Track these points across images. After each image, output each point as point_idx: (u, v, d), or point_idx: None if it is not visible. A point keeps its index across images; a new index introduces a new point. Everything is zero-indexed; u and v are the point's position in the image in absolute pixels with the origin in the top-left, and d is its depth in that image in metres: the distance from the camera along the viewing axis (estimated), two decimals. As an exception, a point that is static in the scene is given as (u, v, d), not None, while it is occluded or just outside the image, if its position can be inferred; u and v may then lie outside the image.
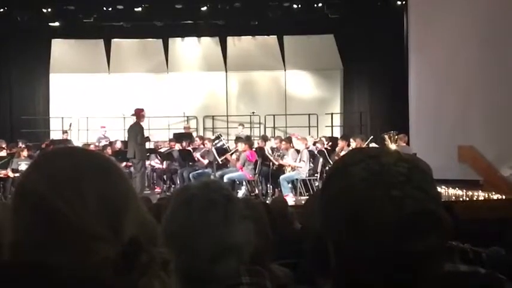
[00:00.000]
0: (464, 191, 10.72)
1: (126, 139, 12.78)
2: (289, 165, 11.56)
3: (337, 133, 16.21)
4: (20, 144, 13.00)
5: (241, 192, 11.39)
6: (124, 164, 11.70)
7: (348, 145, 11.67)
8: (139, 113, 11.81)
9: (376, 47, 15.93)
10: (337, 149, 12.21)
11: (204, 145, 13.10)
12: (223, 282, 1.58)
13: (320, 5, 16.24)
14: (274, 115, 16.80)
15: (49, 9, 16.05)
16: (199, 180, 1.76)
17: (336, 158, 10.45)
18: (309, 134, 14.53)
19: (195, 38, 17.91)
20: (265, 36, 17.90)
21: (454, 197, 10.38)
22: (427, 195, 0.98)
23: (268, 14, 16.26)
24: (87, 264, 0.97)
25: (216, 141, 13.32)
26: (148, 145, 13.41)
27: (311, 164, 11.81)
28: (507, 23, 11.56)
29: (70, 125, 15.49)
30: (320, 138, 13.89)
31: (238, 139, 12.47)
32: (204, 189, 1.62)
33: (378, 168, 0.98)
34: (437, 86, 13.10)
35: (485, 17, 11.99)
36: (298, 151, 11.66)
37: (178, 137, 14.10)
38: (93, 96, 17.15)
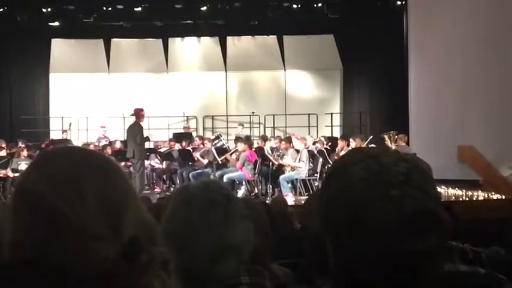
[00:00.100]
0: (464, 191, 10.72)
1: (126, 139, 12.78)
2: (289, 165, 11.56)
3: (336, 133, 16.21)
4: (20, 144, 13.00)
5: (240, 192, 11.39)
6: (123, 163, 11.70)
7: (348, 145, 11.67)
8: (138, 113, 11.80)
9: (376, 47, 15.94)
10: (336, 149, 12.21)
11: (203, 145, 13.10)
12: (223, 282, 1.58)
13: (320, 5, 16.24)
14: (273, 115, 16.81)
15: (49, 9, 16.05)
16: (199, 180, 1.76)
17: (336, 158, 10.44)
18: (309, 134, 14.53)
19: (194, 38, 17.92)
20: (265, 36, 17.91)
21: (453, 197, 10.38)
22: (427, 195, 0.98)
23: (268, 14, 16.26)
24: (87, 264, 0.97)
25: (216, 141, 13.32)
26: (148, 145, 13.41)
27: (311, 164, 11.82)
28: (507, 23, 11.56)
29: (70, 125, 15.49)
30: (319, 138, 13.89)
31: (237, 139, 12.47)
32: (204, 189, 1.62)
33: (378, 168, 0.98)
34: (437, 86, 13.11)
35: (484, 17, 11.99)
36: (297, 151, 11.66)
37: (178, 137, 14.10)
38: (93, 96, 17.15)
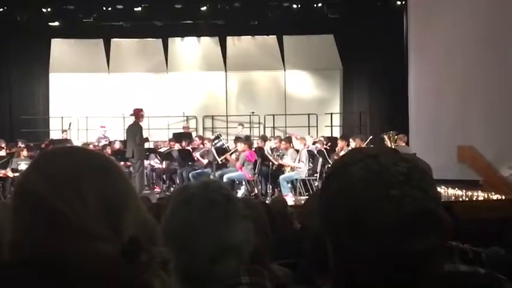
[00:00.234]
0: (464, 191, 10.72)
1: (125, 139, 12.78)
2: (289, 166, 11.56)
3: (336, 133, 16.20)
4: (20, 144, 13.00)
5: (240, 192, 11.39)
6: (123, 163, 11.70)
7: (348, 145, 11.66)
8: (138, 113, 11.80)
9: (375, 47, 15.93)
10: (336, 149, 12.20)
11: (203, 145, 13.10)
12: (223, 282, 1.58)
13: (320, 5, 16.25)
14: (273, 115, 16.81)
15: (49, 9, 16.06)
16: (198, 180, 1.76)
17: (336, 158, 10.44)
18: (309, 134, 14.52)
19: (194, 38, 17.91)
20: (265, 36, 17.90)
21: (453, 197, 10.37)
22: (427, 194, 0.97)
23: (267, 14, 16.26)
24: (87, 264, 0.97)
25: (216, 141, 13.31)
26: (148, 145, 13.41)
27: (310, 164, 11.82)
28: (507, 23, 11.56)
29: (70, 125, 15.49)
30: (319, 138, 13.88)
31: (237, 139, 12.47)
32: (204, 189, 1.62)
33: (378, 167, 0.98)
34: (437, 86, 13.10)
35: (484, 17, 11.99)
36: (297, 151, 11.67)
37: (177, 137, 14.10)
38: (92, 96, 17.15)
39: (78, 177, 1.04)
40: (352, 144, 11.60)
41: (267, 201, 8.06)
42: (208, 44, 17.95)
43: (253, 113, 16.74)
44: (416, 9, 14.16)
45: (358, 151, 1.05)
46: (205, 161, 12.51)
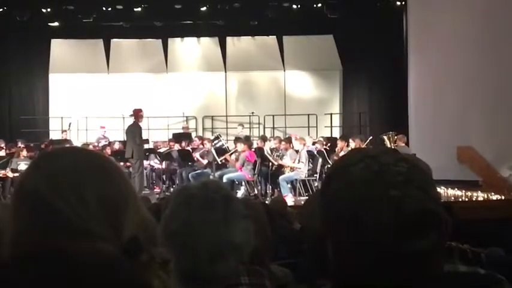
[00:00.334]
0: (464, 191, 10.73)
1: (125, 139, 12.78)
2: (288, 166, 11.57)
3: (336, 133, 16.20)
4: (19, 144, 13.00)
5: (240, 193, 11.39)
6: (122, 164, 11.70)
7: (347, 145, 11.66)
8: (137, 114, 11.80)
9: (375, 47, 15.92)
10: (336, 149, 12.20)
11: (203, 145, 13.10)
12: (223, 282, 1.58)
13: (319, 5, 16.24)
14: (273, 115, 16.80)
15: (48, 9, 16.05)
16: (198, 181, 1.76)
17: (335, 158, 10.45)
18: (308, 135, 14.53)
19: (194, 38, 17.91)
20: (265, 37, 17.90)
21: (453, 198, 10.38)
22: (427, 195, 0.98)
23: (267, 14, 16.26)
24: (87, 264, 0.97)
25: (215, 142, 13.31)
26: (148, 145, 13.41)
27: (310, 165, 11.82)
28: (506, 24, 11.56)
29: (69, 125, 15.48)
30: (319, 138, 13.88)
31: (237, 139, 12.47)
32: (203, 189, 1.63)
33: (378, 168, 0.98)
34: (437, 87, 13.11)
35: (483, 19, 11.99)
36: (297, 151, 11.67)
37: (177, 137, 14.09)
38: (92, 96, 17.14)
39: (78, 178, 1.04)
40: (352, 144, 11.60)
41: (266, 202, 8.05)
42: (208, 44, 17.95)
43: (253, 113, 16.73)
44: (416, 10, 14.17)
45: (358, 151, 1.05)
46: (205, 162, 12.51)
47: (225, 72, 17.90)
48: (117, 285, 0.97)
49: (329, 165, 10.97)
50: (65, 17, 16.32)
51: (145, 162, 13.01)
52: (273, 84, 18.02)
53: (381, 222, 0.95)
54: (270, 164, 11.79)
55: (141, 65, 17.65)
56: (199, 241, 1.54)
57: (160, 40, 17.66)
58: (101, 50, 17.59)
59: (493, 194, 10.56)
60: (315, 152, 12.11)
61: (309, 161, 11.71)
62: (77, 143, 14.62)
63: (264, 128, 16.82)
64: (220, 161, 12.25)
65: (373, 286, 0.97)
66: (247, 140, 12.29)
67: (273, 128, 16.76)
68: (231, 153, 12.21)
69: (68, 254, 0.98)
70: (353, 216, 0.97)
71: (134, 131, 11.65)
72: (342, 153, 10.74)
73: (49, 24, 16.61)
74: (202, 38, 17.86)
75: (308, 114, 16.51)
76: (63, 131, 15.31)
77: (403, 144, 12.04)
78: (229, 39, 17.79)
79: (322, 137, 14.33)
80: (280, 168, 11.71)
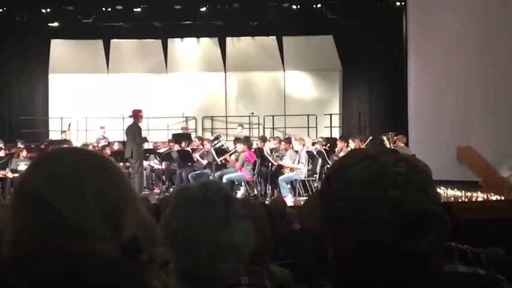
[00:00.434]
0: (464, 191, 10.74)
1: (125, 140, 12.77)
2: (288, 166, 11.56)
3: (336, 134, 16.20)
4: (19, 145, 13.00)
5: (240, 193, 11.38)
6: (122, 164, 11.69)
7: (347, 146, 11.67)
8: (136, 114, 11.80)
9: (375, 47, 15.92)
10: (336, 149, 12.20)
11: (203, 146, 13.10)
12: (223, 282, 1.58)
13: (319, 5, 16.24)
14: (273, 116, 16.79)
15: (48, 10, 16.05)
16: (198, 181, 1.76)
17: (335, 158, 10.45)
18: (308, 135, 14.52)
19: (194, 39, 17.91)
20: (265, 37, 17.89)
21: (453, 198, 10.39)
22: (426, 195, 0.98)
23: (267, 15, 16.26)
24: (87, 264, 0.97)
25: (215, 142, 13.31)
26: (147, 145, 13.39)
27: (310, 165, 11.82)
28: (505, 24, 11.57)
29: (69, 125, 15.48)
30: (319, 139, 13.88)
31: (237, 140, 12.47)
32: (203, 190, 1.62)
33: (377, 168, 0.99)
34: (436, 87, 13.11)
35: (483, 19, 12.00)
36: (297, 152, 11.67)
37: (177, 138, 14.09)
38: (92, 97, 17.14)
39: (78, 178, 1.04)
40: (352, 145, 11.60)
41: (266, 202, 8.05)
42: (207, 44, 17.95)
43: (252, 113, 16.73)
44: (416, 10, 14.17)
45: (358, 152, 1.05)
46: (204, 162, 12.51)
47: (225, 72, 17.90)
48: (117, 286, 0.97)
49: (329, 166, 10.98)
50: (64, 17, 16.32)
51: (145, 163, 13.01)
52: (273, 84, 18.02)
53: (380, 223, 0.95)
54: (270, 164, 11.79)
55: (140, 65, 17.65)
56: (199, 241, 1.54)
57: (160, 40, 17.66)
58: (101, 51, 17.59)
59: (492, 194, 10.57)
60: (315, 153, 12.10)
61: (308, 162, 11.71)
62: (77, 143, 14.61)
63: (264, 128, 16.82)
64: (220, 161, 12.24)
65: (373, 286, 0.97)
66: (246, 141, 12.29)
67: (273, 128, 16.75)
68: (231, 154, 12.21)
69: (68, 254, 0.98)
70: (353, 217, 0.97)
71: (134, 131, 11.65)
72: (341, 154, 10.74)
73: (49, 24, 16.61)
74: (202, 39, 17.86)
75: (308, 115, 16.51)
76: (62, 132, 15.31)
77: (403, 145, 12.04)
78: (229, 40, 17.79)
79: (321, 137, 14.32)
80: (279, 169, 11.71)
